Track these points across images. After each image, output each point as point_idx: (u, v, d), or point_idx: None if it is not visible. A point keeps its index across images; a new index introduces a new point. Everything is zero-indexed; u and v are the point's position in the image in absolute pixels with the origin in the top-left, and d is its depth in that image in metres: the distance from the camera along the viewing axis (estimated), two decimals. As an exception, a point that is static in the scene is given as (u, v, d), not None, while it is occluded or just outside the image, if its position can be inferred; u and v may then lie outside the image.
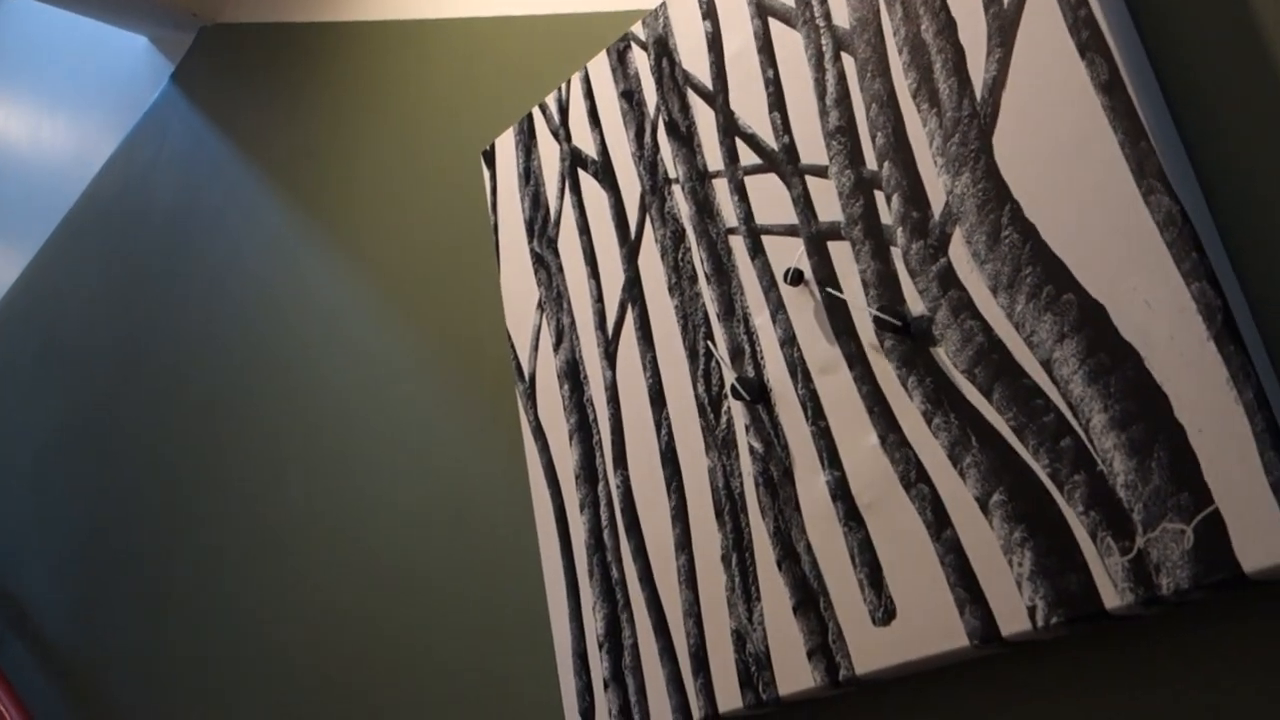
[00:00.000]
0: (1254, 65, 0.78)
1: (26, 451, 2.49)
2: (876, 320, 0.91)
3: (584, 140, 1.23)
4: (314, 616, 1.51)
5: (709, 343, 1.04)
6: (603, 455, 1.13)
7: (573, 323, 1.19)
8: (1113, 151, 0.80)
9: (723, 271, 1.05)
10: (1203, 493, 0.72)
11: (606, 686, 1.07)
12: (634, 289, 1.13)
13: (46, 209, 2.73)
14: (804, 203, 0.99)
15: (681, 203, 1.10)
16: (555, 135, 1.26)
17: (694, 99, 1.11)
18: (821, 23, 1.01)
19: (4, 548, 2.48)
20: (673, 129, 1.13)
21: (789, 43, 1.04)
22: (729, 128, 1.07)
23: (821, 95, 1.00)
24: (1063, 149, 0.83)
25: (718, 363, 1.04)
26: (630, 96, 1.18)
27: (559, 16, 1.35)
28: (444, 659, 1.30)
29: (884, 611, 0.88)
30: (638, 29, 1.19)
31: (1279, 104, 0.77)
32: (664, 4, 1.17)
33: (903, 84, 0.94)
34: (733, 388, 1.00)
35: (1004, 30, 0.87)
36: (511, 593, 1.23)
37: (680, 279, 1.09)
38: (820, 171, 0.99)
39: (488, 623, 1.25)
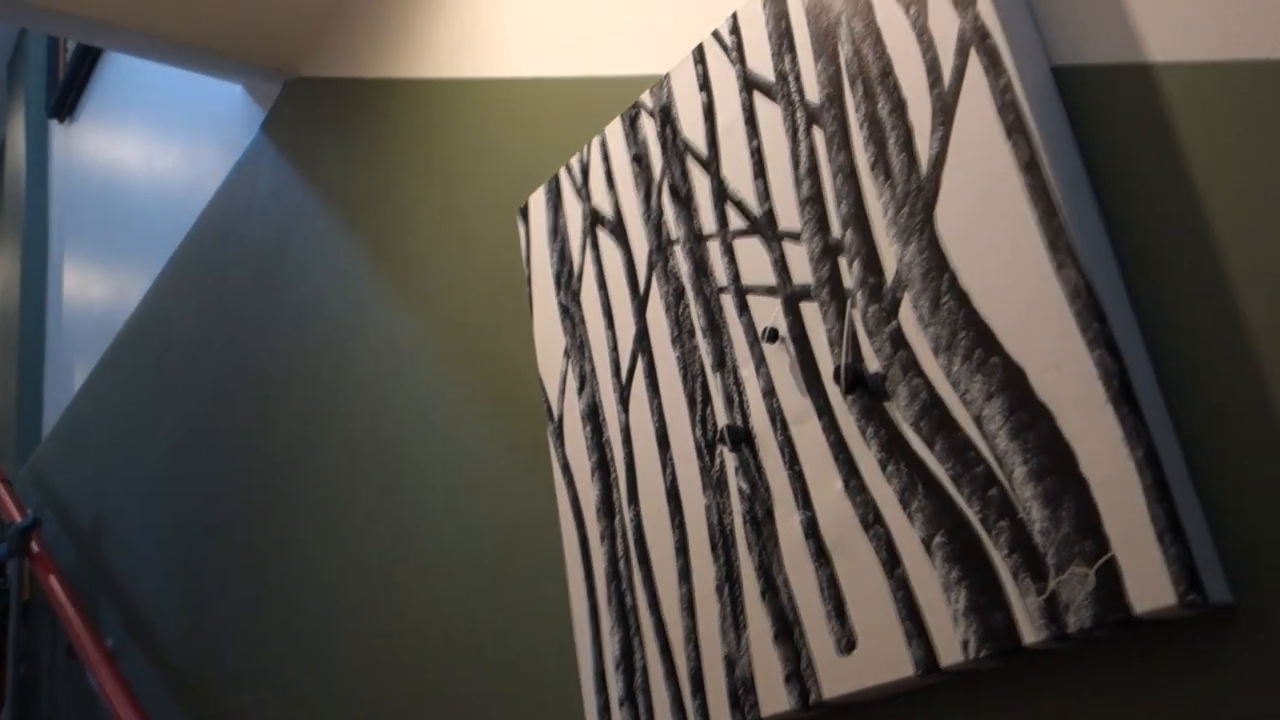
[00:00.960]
0: (1171, 148, 0.85)
1: (146, 465, 2.73)
2: (836, 377, 1.00)
3: (602, 200, 1.34)
4: (379, 623, 1.67)
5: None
6: (618, 492, 1.24)
7: (593, 369, 1.31)
8: (1031, 227, 0.88)
9: (715, 327, 1.16)
10: (1102, 540, 0.80)
11: (621, 705, 1.18)
12: (643, 340, 1.25)
13: (163, 239, 2.97)
14: (781, 266, 1.09)
15: (681, 262, 1.21)
16: (578, 195, 1.38)
17: (692, 165, 1.22)
18: (796, 98, 1.10)
19: (126, 557, 2.73)
20: (674, 193, 1.24)
21: (770, 116, 1.13)
22: (721, 193, 1.18)
23: (796, 166, 1.10)
24: (992, 223, 0.91)
25: (712, 409, 1.14)
26: (640, 161, 1.29)
27: (586, 79, 1.47)
28: (483, 673, 1.44)
29: (846, 641, 0.97)
30: (646, 97, 1.30)
31: (1189, 183, 0.84)
32: (668, 75, 1.27)
33: (863, 158, 1.03)
34: (720, 434, 1.11)
35: (945, 111, 0.96)
36: (544, 615, 1.36)
37: (681, 332, 1.20)
38: (795, 237, 1.08)
39: (524, 642, 1.38)
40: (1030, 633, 0.84)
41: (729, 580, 1.09)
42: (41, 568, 2.80)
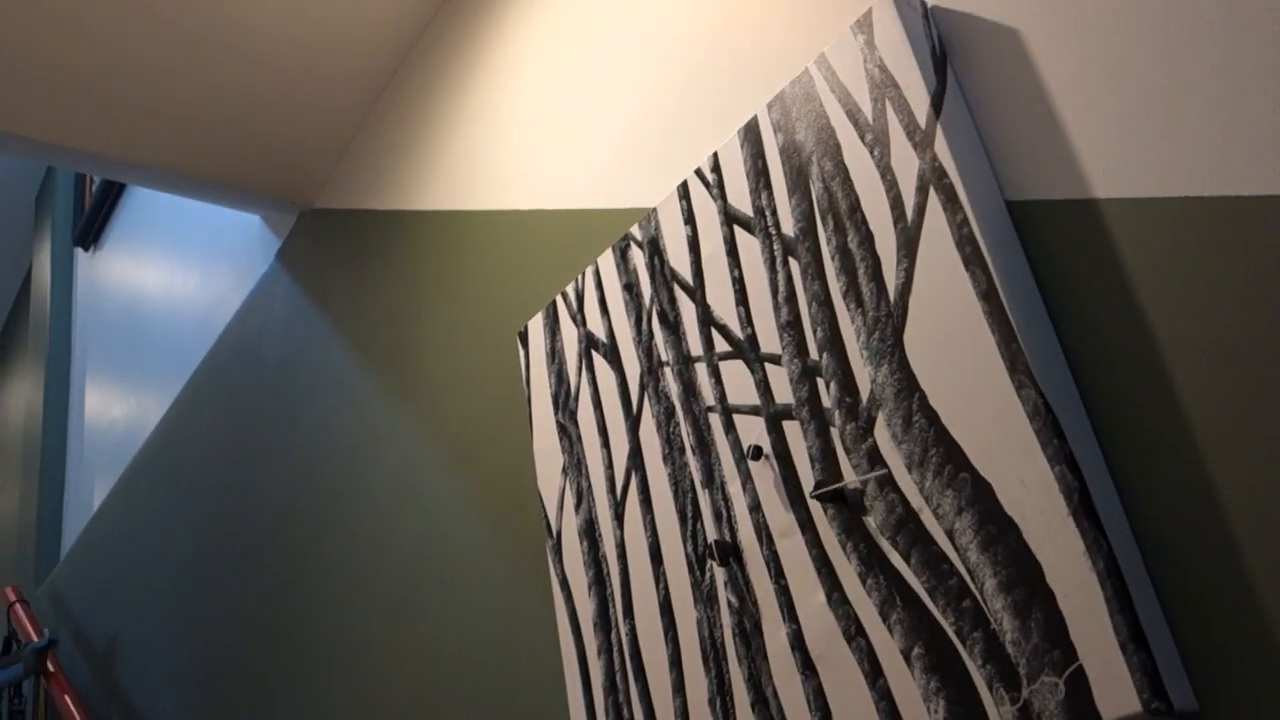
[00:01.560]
0: (1117, 274, 0.91)
1: (160, 583, 2.77)
2: (815, 495, 1.05)
3: (596, 325, 1.41)
4: (391, 749, 1.69)
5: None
6: (614, 606, 1.28)
7: (590, 486, 1.36)
8: (991, 350, 0.93)
9: (704, 444, 1.21)
10: (1070, 650, 0.84)
11: (621, 817, 1.20)
12: (636, 458, 1.30)
13: (180, 363, 3.06)
14: (764, 386, 1.15)
15: (671, 383, 1.27)
16: (574, 320, 1.45)
17: (679, 293, 1.29)
18: (773, 231, 1.18)
19: (138, 675, 2.75)
20: (663, 318, 1.30)
21: (749, 247, 1.20)
22: (706, 319, 1.24)
23: (775, 293, 1.16)
24: (955, 346, 0.97)
25: (702, 524, 1.19)
26: (631, 288, 1.36)
27: (580, 212, 1.55)
28: (494, 790, 1.45)
29: (834, 752, 1.00)
30: (636, 229, 1.38)
31: (1136, 306, 0.90)
32: (655, 209, 1.35)
33: (835, 286, 1.09)
34: (708, 549, 1.15)
35: (909, 244, 1.03)
36: (546, 730, 1.39)
37: (672, 450, 1.25)
38: (776, 359, 1.14)
39: (527, 757, 1.41)
40: (1005, 741, 0.87)
41: (721, 693, 1.12)
42: (57, 687, 2.82)
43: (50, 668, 2.93)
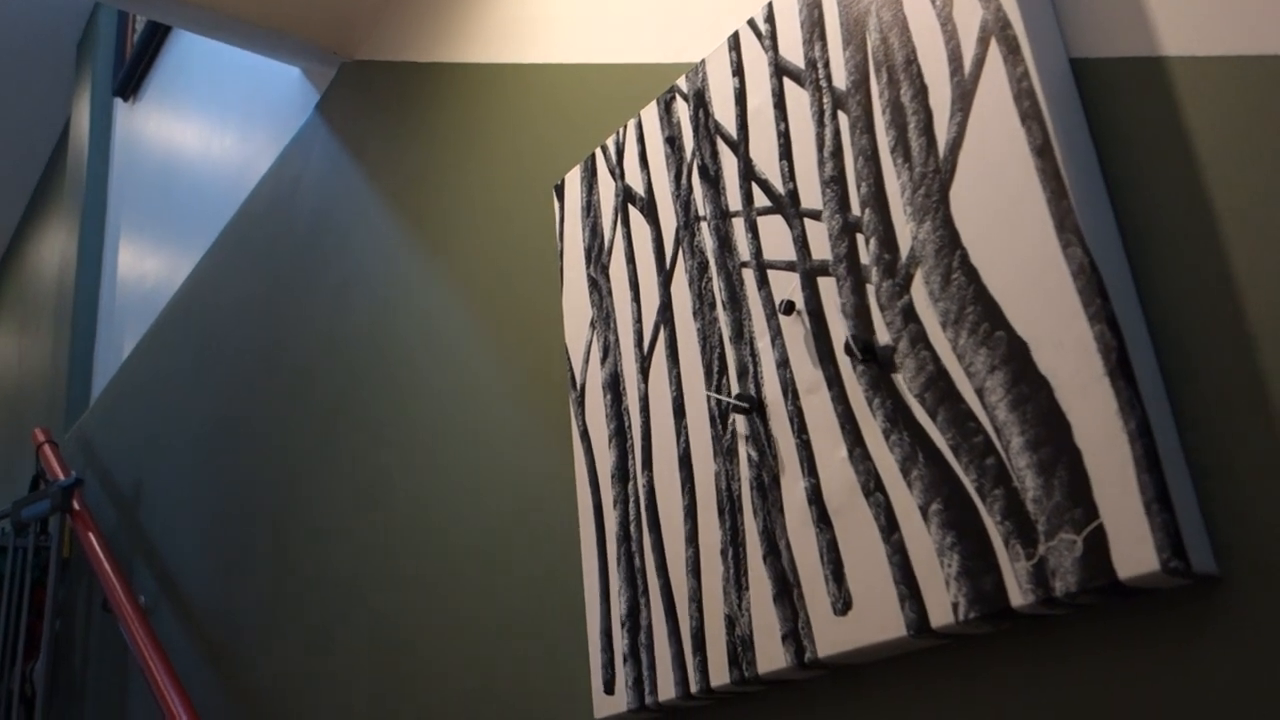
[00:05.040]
0: (1180, 137, 0.88)
1: (185, 437, 2.81)
2: (847, 349, 1.04)
3: (635, 179, 1.39)
4: (400, 580, 1.72)
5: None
6: (634, 458, 1.28)
7: (617, 340, 1.35)
8: (1040, 207, 0.91)
9: (736, 300, 1.20)
10: (1091, 509, 0.83)
11: (625, 661, 1.22)
12: (666, 313, 1.29)
13: (214, 216, 3.06)
14: (801, 242, 1.13)
15: (707, 238, 1.25)
16: (612, 174, 1.43)
17: (722, 146, 1.26)
18: (824, 84, 1.14)
19: (161, 521, 2.81)
20: (704, 172, 1.28)
21: (799, 100, 1.17)
22: (748, 173, 1.22)
23: (820, 148, 1.13)
24: (1003, 203, 0.94)
25: (728, 379, 1.18)
26: (673, 142, 1.34)
27: (626, 66, 1.52)
28: (495, 629, 1.48)
29: (843, 603, 1.01)
30: (682, 82, 1.34)
31: (1196, 170, 0.87)
32: (703, 61, 1.32)
33: (884, 140, 1.06)
34: (730, 403, 1.15)
35: (964, 97, 0.99)
36: (556, 575, 1.40)
37: (702, 305, 1.24)
38: (816, 215, 1.12)
39: (535, 599, 1.43)
40: (1018, 596, 0.87)
41: (734, 544, 1.13)
42: (82, 525, 2.89)
43: (76, 506, 3.00)
